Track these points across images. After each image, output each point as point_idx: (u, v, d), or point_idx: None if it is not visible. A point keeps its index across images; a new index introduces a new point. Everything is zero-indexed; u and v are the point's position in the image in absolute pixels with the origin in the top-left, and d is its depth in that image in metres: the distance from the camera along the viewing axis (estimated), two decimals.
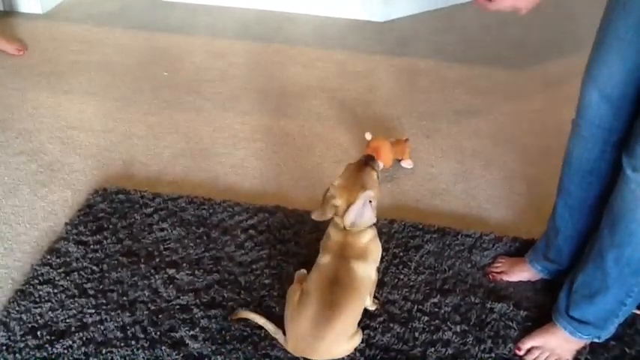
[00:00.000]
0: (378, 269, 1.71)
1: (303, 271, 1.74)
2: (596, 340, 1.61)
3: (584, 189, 1.61)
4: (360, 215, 1.50)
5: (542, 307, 1.77)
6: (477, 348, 1.66)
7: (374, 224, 1.60)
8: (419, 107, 2.87)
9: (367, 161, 1.60)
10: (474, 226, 2.11)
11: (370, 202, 1.51)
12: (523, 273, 1.87)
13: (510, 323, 1.73)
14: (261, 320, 1.66)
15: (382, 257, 1.87)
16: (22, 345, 1.64)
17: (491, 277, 1.88)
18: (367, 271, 1.59)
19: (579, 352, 1.63)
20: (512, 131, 2.69)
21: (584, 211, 1.63)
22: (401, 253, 1.96)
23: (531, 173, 2.41)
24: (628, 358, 1.64)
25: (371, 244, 1.60)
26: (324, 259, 1.59)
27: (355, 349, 1.63)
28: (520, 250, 1.98)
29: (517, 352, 1.65)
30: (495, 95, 2.98)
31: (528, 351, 1.64)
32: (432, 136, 2.65)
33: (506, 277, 1.87)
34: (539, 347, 1.63)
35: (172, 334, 1.68)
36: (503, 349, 1.66)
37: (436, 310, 1.77)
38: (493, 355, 1.64)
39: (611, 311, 1.53)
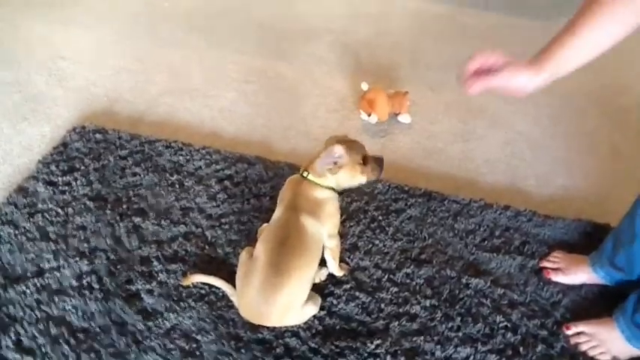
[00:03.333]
0: (342, 234, 1.61)
1: (264, 226, 1.66)
2: None
3: None
4: (325, 164, 1.49)
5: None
6: (444, 325, 1.56)
7: (335, 191, 1.54)
8: (427, 56, 2.67)
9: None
10: (465, 190, 1.98)
11: (336, 163, 1.48)
12: (582, 275, 1.66)
13: (484, 300, 1.62)
14: (216, 282, 1.58)
15: (359, 220, 1.78)
16: None
17: (545, 273, 1.70)
18: (318, 230, 1.49)
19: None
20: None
21: None
22: (380, 217, 1.84)
23: (536, 137, 2.24)
24: None
25: (327, 204, 1.51)
26: (276, 214, 1.53)
27: (314, 316, 1.55)
28: (511, 219, 1.84)
29: (565, 330, 1.55)
30: (516, 48, 2.73)
31: (577, 334, 1.53)
32: (436, 89, 2.47)
33: (561, 277, 1.67)
34: (589, 334, 1.52)
35: (128, 286, 1.62)
36: (471, 328, 1.56)
37: (407, 281, 1.67)
38: (460, 334, 1.55)
39: None
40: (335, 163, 1.48)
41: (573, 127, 2.28)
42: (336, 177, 1.51)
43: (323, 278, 1.65)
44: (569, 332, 1.54)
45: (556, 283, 1.68)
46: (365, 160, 1.53)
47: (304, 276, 1.46)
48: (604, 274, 1.63)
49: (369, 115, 2.22)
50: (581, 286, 1.67)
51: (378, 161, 1.58)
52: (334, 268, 1.63)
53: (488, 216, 1.87)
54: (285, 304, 1.43)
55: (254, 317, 1.48)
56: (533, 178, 2.07)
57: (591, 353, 1.49)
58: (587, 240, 1.79)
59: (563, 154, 2.16)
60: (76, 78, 2.44)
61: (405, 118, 2.27)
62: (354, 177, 1.53)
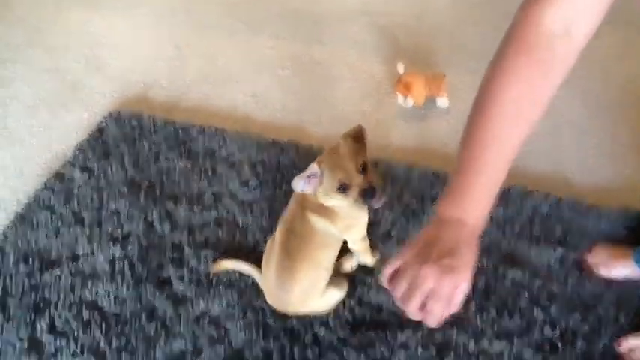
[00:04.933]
0: (373, 222, 1.57)
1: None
2: None
3: None
4: (300, 179, 1.31)
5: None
6: (478, 318, 1.51)
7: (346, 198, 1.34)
8: (467, 41, 2.58)
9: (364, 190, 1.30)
10: (506, 177, 1.89)
11: (310, 177, 1.30)
12: (624, 269, 1.57)
13: (522, 292, 1.56)
14: (246, 268, 1.57)
15: (392, 207, 1.74)
16: (13, 271, 1.64)
17: (586, 267, 1.62)
18: (328, 228, 1.41)
19: None
20: (577, 77, 2.37)
21: None
22: (415, 204, 1.79)
23: (582, 125, 2.13)
24: None
25: (339, 213, 1.39)
26: (289, 205, 1.48)
27: (344, 305, 1.52)
28: (552, 207, 1.76)
29: (616, 347, 1.45)
30: None
31: (630, 350, 1.44)
32: (476, 73, 2.37)
33: (603, 271, 1.58)
34: None
35: (159, 272, 1.63)
36: (507, 321, 1.50)
37: None
38: (495, 327, 1.50)
39: None
40: (310, 179, 1.30)
41: (622, 118, 2.16)
42: (318, 195, 1.34)
43: (354, 267, 1.61)
44: (621, 349, 1.45)
45: (598, 277, 1.60)
46: (345, 188, 1.29)
47: (316, 262, 1.42)
48: None
49: (406, 98, 2.16)
50: (626, 280, 1.59)
51: (366, 193, 1.28)
52: (364, 259, 1.59)
53: (528, 204, 1.80)
54: (300, 289, 1.41)
55: (276, 303, 1.47)
56: (576, 166, 1.97)
57: None
58: (632, 232, 1.70)
59: (610, 144, 2.06)
60: (113, 64, 2.46)
61: (442, 102, 2.20)
62: (333, 201, 1.34)
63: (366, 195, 1.28)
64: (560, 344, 1.45)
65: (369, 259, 1.60)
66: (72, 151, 2.01)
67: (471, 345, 1.46)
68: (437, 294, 0.85)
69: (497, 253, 1.65)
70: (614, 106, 2.20)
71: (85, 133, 2.11)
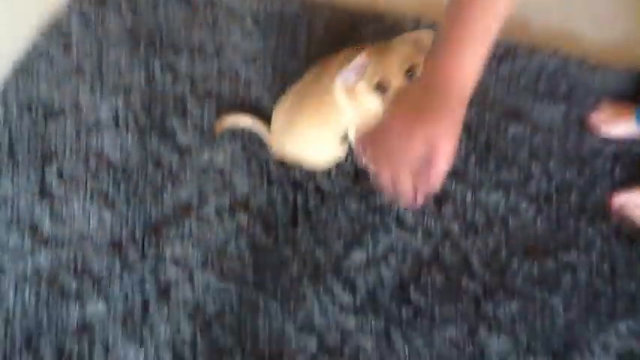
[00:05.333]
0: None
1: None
2: None
3: None
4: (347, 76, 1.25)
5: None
6: (477, 170, 1.54)
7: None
8: None
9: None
10: (514, 32, 1.84)
11: (358, 69, 1.24)
12: (625, 127, 1.57)
13: (522, 146, 1.58)
14: (248, 121, 1.58)
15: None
16: (18, 120, 1.65)
17: (588, 124, 1.61)
18: (346, 108, 1.37)
19: None
20: None
21: None
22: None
23: None
24: None
25: (366, 97, 1.31)
26: (313, 69, 1.45)
27: (346, 160, 1.55)
28: (559, 64, 1.73)
29: (609, 199, 1.49)
30: None
31: (621, 206, 1.47)
32: None
33: (604, 128, 1.58)
34: (637, 206, 1.46)
35: (163, 122, 1.64)
36: (506, 173, 1.54)
37: None
38: (493, 179, 1.53)
39: None
40: (357, 74, 1.24)
41: None
42: (351, 97, 1.30)
43: None
44: (612, 204, 1.48)
45: (599, 134, 1.61)
46: (383, 87, 1.22)
47: (323, 119, 1.41)
48: None
49: None
50: (626, 138, 1.60)
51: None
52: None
53: (535, 60, 1.76)
54: (303, 128, 1.43)
55: (279, 146, 1.49)
56: (588, 20, 1.90)
57: (638, 223, 1.44)
58: (638, 92, 1.68)
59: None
60: None
61: None
62: (365, 100, 1.29)
63: None
64: (555, 196, 1.50)
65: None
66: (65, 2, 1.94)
67: (469, 195, 1.50)
68: (412, 171, 0.76)
69: (500, 108, 1.65)
70: None
71: None
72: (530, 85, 1.70)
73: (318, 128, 1.43)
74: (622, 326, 1.30)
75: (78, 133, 1.62)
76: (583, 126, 1.62)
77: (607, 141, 1.58)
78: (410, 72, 1.20)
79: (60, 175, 1.55)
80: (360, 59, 1.21)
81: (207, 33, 1.83)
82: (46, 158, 1.58)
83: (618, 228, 1.44)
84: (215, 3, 1.90)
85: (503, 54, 1.76)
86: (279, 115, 1.47)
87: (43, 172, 1.56)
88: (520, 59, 1.75)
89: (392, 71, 1.21)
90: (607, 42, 1.84)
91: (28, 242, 1.48)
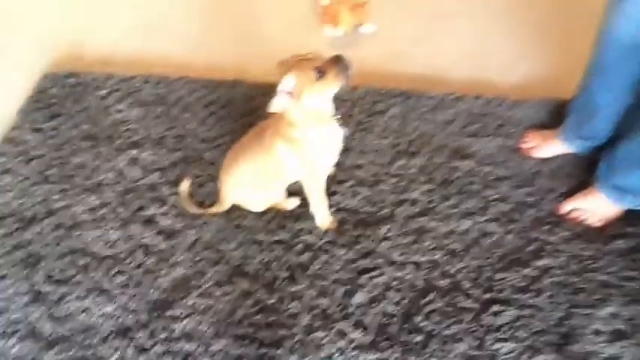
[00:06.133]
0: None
1: None
2: (639, 208, 1.63)
3: (625, 65, 1.53)
4: (282, 101, 1.37)
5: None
6: (442, 205, 1.70)
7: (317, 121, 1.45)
8: None
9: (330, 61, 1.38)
10: (437, 87, 2.09)
11: (291, 93, 1.36)
12: (555, 148, 1.82)
13: (474, 179, 1.77)
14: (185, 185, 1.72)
15: (347, 123, 1.87)
16: None
17: (523, 152, 1.85)
18: (290, 157, 1.49)
19: (615, 218, 1.66)
20: None
21: (625, 88, 1.57)
22: (365, 119, 1.95)
23: (495, 31, 2.36)
24: None
25: (304, 144, 1.46)
26: (251, 131, 1.60)
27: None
28: (484, 106, 1.98)
29: (558, 211, 1.69)
30: None
31: (570, 211, 1.68)
32: None
33: (538, 154, 1.83)
34: (581, 209, 1.67)
35: (142, 212, 1.68)
36: (467, 203, 1.71)
37: (402, 172, 1.79)
38: (458, 210, 1.69)
39: None
40: (291, 93, 1.36)
41: (527, 18, 2.41)
42: (302, 106, 1.38)
43: (290, 208, 1.70)
44: (562, 212, 1.69)
45: (534, 157, 1.84)
46: (322, 70, 1.36)
47: (258, 164, 1.54)
48: (574, 145, 1.80)
49: (334, 28, 2.28)
50: (556, 157, 1.84)
51: (338, 61, 1.37)
52: (317, 213, 1.65)
53: (462, 106, 2.00)
54: (238, 175, 1.57)
55: (222, 182, 1.63)
56: (497, 68, 2.20)
57: (588, 222, 1.65)
58: (555, 116, 1.94)
59: (522, 42, 2.30)
60: (36, 24, 2.39)
61: (368, 28, 2.35)
62: (319, 95, 1.39)
63: (339, 60, 1.36)
64: (514, 215, 1.68)
65: (320, 215, 1.65)
66: (15, 116, 1.97)
67: (442, 228, 1.65)
68: None
69: (446, 150, 1.85)
70: (518, 10, 2.45)
71: (22, 96, 2.06)
72: (466, 127, 1.92)
73: (259, 180, 1.57)
74: (605, 312, 1.47)
75: (58, 236, 1.62)
76: (519, 153, 1.85)
77: (542, 161, 1.81)
78: (320, 71, 1.35)
79: (49, 278, 1.53)
80: (284, 81, 1.34)
81: (163, 126, 1.92)
82: (30, 265, 1.56)
83: (574, 231, 1.63)
84: (164, 98, 2.01)
85: (435, 105, 1.99)
86: (224, 168, 1.60)
87: (31, 278, 1.53)
88: (451, 107, 1.98)
89: (316, 60, 1.37)
90: (517, 82, 2.13)
91: (32, 348, 1.43)
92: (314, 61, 1.37)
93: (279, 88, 1.35)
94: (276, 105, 1.36)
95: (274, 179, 1.58)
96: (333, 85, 1.38)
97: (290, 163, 1.50)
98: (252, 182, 1.57)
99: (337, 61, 1.37)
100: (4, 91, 2.09)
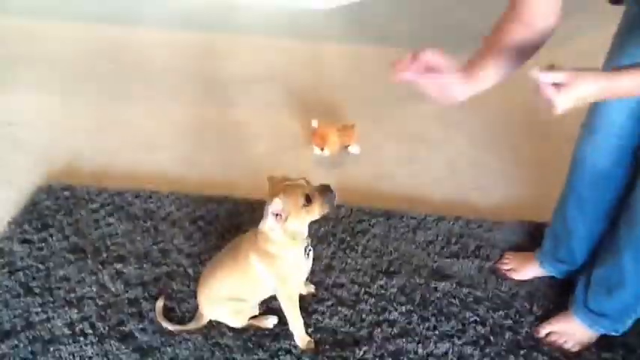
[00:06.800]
0: (316, 257, 1.68)
1: None
2: (614, 334, 1.64)
3: (599, 192, 1.59)
4: (271, 224, 1.46)
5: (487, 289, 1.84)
6: (421, 326, 1.72)
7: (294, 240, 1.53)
8: (366, 93, 2.90)
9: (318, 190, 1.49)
10: (419, 207, 2.16)
11: (279, 215, 1.44)
12: (531, 271, 1.86)
13: (453, 300, 1.79)
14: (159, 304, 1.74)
15: (329, 242, 1.92)
16: None
17: (500, 274, 1.88)
18: (265, 272, 1.55)
19: (592, 343, 1.67)
20: (458, 113, 2.74)
21: (599, 214, 1.63)
22: (348, 238, 2.00)
23: (473, 154, 2.48)
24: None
25: (281, 260, 1.54)
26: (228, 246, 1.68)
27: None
28: (463, 227, 2.04)
29: (535, 335, 1.69)
30: None
31: (547, 335, 1.69)
32: (377, 120, 2.68)
33: (515, 275, 1.86)
34: (558, 332, 1.68)
35: (121, 327, 1.69)
36: (446, 325, 1.72)
37: (382, 291, 1.82)
38: (437, 332, 1.70)
39: (629, 306, 1.58)
40: (278, 216, 1.43)
41: (505, 144, 2.54)
42: (284, 227, 1.46)
43: (268, 326, 1.71)
44: (539, 335, 1.70)
45: (512, 279, 1.87)
46: (309, 198, 1.45)
47: (227, 280, 1.61)
48: (551, 268, 1.84)
49: (322, 150, 2.39)
50: (533, 279, 1.87)
51: (325, 192, 1.48)
52: (293, 331, 1.66)
53: (443, 227, 2.06)
54: (208, 290, 1.63)
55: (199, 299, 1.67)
56: (476, 190, 2.29)
57: (565, 347, 1.66)
58: (532, 238, 2.00)
59: (500, 166, 2.41)
60: (33, 141, 2.49)
61: (354, 149, 2.46)
62: (302, 220, 1.49)
63: (327, 190, 1.48)
64: (492, 338, 1.69)
65: (297, 333, 1.66)
66: (6, 227, 2.02)
67: (420, 350, 1.65)
68: None
69: (426, 271, 1.89)
70: (496, 135, 2.58)
71: (15, 208, 2.12)
72: (445, 248, 1.97)
73: (235, 295, 1.61)
74: None
75: (33, 351, 1.62)
76: (496, 275, 1.88)
77: (520, 283, 1.85)
78: (307, 199, 1.45)
79: None
80: (274, 204, 1.42)
81: (150, 241, 1.97)
82: None
83: (552, 355, 1.64)
84: (153, 214, 2.08)
85: (417, 225, 2.05)
86: (201, 283, 1.66)
87: None
88: (430, 228, 2.04)
89: (303, 186, 1.47)
90: (496, 204, 2.21)
91: None
92: (303, 187, 1.47)
93: (269, 209, 1.44)
94: (267, 225, 1.46)
95: (249, 293, 1.63)
96: (316, 213, 1.49)
97: (265, 278, 1.56)
98: (227, 296, 1.61)
99: (324, 191, 1.48)
100: None
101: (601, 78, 1.06)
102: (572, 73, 1.03)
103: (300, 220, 1.48)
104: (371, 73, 3.05)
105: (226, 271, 1.60)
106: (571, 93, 1.03)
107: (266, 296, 1.67)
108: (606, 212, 1.62)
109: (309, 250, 1.59)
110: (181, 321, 1.70)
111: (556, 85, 1.03)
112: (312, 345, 1.65)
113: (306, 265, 1.60)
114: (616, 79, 1.06)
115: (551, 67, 1.05)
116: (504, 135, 2.60)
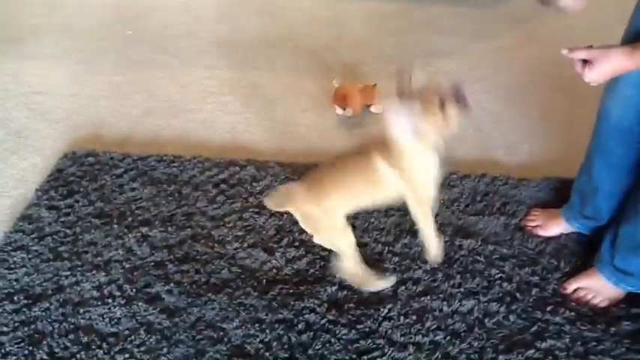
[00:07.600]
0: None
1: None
2: None
3: (624, 148, 1.56)
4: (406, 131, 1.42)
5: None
6: (446, 284, 1.70)
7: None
8: (388, 51, 2.84)
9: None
10: (443, 164, 2.12)
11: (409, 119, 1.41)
12: (558, 227, 1.83)
13: (478, 257, 1.77)
14: None
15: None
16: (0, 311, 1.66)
17: (527, 231, 1.86)
18: (388, 169, 1.52)
19: (621, 299, 1.64)
20: (482, 70, 2.68)
21: (625, 170, 1.60)
22: None
23: (499, 111, 2.42)
24: None
25: (412, 157, 1.51)
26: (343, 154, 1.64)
27: (326, 292, 1.66)
28: (488, 185, 2.00)
29: (562, 291, 1.67)
30: (463, 35, 2.96)
31: (574, 291, 1.66)
32: None
33: (542, 232, 1.84)
34: (585, 288, 1.65)
35: (148, 289, 1.71)
36: (471, 283, 1.70)
37: (406, 250, 1.81)
38: (462, 289, 1.69)
39: None
40: (411, 121, 1.40)
41: (530, 99, 2.47)
42: (420, 133, 1.43)
43: (381, 287, 1.70)
44: (567, 292, 1.67)
45: (538, 236, 1.84)
46: (443, 102, 1.42)
47: (352, 194, 1.58)
48: (578, 225, 1.81)
49: (344, 110, 2.36)
50: (560, 235, 1.84)
51: (457, 87, 1.44)
52: (427, 233, 1.67)
53: (467, 185, 2.03)
54: (322, 206, 1.56)
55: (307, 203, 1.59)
56: (501, 147, 2.25)
57: (593, 302, 1.63)
58: (559, 195, 1.96)
59: (525, 123, 2.36)
60: (56, 110, 2.51)
61: (377, 109, 2.42)
62: (437, 127, 1.46)
63: (460, 91, 1.43)
64: (518, 295, 1.67)
65: (431, 242, 1.68)
66: (32, 194, 2.05)
67: (445, 307, 1.64)
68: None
69: (451, 229, 1.87)
70: (521, 92, 2.51)
71: (41, 176, 2.15)
72: (470, 206, 1.95)
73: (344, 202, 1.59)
74: None
75: (64, 313, 1.65)
76: (523, 232, 1.85)
77: (547, 240, 1.81)
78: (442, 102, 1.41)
79: (51, 355, 1.55)
80: (410, 106, 1.40)
81: (174, 204, 1.98)
82: (35, 342, 1.58)
83: (579, 311, 1.61)
84: (176, 177, 2.08)
85: (441, 183, 2.01)
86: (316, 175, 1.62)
87: (33, 356, 1.55)
88: (455, 186, 2.02)
89: (432, 89, 1.44)
90: (521, 161, 2.16)
91: None
92: (433, 93, 1.42)
93: (396, 112, 1.41)
94: (404, 134, 1.43)
95: (369, 195, 1.61)
96: (453, 120, 1.46)
97: (388, 178, 1.53)
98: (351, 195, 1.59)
99: (458, 88, 1.44)
100: (26, 172, 2.18)
101: (624, 55, 1.22)
102: (597, 51, 1.23)
103: (437, 125, 1.44)
104: (393, 31, 2.99)
105: (349, 172, 1.56)
106: (598, 69, 1.24)
107: (386, 201, 1.63)
108: (632, 168, 1.58)
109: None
110: (204, 282, 1.71)
111: (584, 61, 1.26)
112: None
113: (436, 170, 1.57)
114: (637, 55, 1.21)
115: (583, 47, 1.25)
116: (529, 91, 2.53)
